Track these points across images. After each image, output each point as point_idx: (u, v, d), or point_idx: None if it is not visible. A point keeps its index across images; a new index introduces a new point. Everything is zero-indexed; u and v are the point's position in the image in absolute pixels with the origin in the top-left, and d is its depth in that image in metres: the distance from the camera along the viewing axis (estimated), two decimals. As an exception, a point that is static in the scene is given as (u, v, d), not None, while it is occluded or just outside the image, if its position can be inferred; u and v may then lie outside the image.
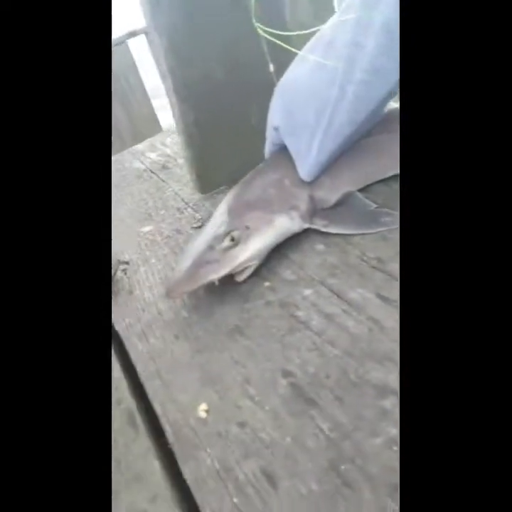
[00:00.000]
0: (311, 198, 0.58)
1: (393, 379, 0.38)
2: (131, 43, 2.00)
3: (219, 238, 0.52)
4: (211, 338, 0.50)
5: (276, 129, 0.59)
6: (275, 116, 0.59)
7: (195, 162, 0.72)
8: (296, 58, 0.57)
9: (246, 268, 0.54)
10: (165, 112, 2.10)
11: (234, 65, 0.66)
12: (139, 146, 1.10)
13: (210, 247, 0.52)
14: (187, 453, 0.39)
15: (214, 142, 0.70)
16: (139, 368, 0.50)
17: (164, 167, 0.96)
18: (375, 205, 0.57)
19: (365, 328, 0.43)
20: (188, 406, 0.43)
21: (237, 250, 0.52)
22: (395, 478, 0.31)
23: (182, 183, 0.86)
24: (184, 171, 0.89)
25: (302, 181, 0.58)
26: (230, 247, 0.52)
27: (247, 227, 0.53)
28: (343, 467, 0.34)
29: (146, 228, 0.75)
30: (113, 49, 1.67)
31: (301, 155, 0.57)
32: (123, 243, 0.73)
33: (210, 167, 0.73)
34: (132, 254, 0.70)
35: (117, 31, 1.80)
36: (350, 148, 0.59)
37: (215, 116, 0.69)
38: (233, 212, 0.55)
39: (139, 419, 0.44)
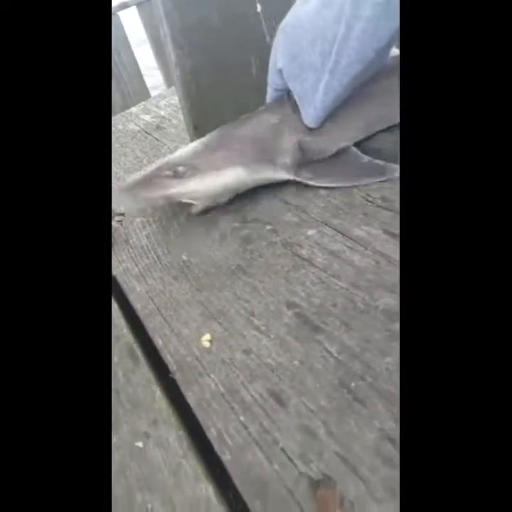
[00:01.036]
0: (302, 149, 0.56)
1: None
2: (123, 15, 1.96)
3: (165, 167, 0.55)
4: (212, 278, 0.49)
5: (279, 71, 0.57)
6: (279, 58, 0.57)
7: (193, 113, 0.70)
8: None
9: (195, 201, 0.56)
10: (150, 78, 2.07)
11: (231, 12, 0.64)
12: (133, 109, 1.07)
13: (159, 169, 0.55)
14: (190, 379, 0.38)
15: (212, 92, 0.68)
16: (138, 307, 0.48)
17: (159, 127, 0.94)
18: (368, 158, 0.55)
19: (372, 261, 0.43)
20: (191, 337, 0.42)
21: (176, 182, 0.54)
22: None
23: (177, 141, 0.84)
24: (179, 130, 0.87)
25: (298, 129, 0.57)
26: (171, 177, 0.54)
27: (195, 167, 0.54)
28: (353, 384, 0.33)
29: (142, 182, 0.73)
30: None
31: (306, 98, 0.55)
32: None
33: (208, 118, 0.71)
34: (128, 206, 0.68)
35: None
36: (355, 96, 0.57)
37: (213, 65, 0.66)
38: (200, 150, 0.57)
39: (138, 352, 0.43)
